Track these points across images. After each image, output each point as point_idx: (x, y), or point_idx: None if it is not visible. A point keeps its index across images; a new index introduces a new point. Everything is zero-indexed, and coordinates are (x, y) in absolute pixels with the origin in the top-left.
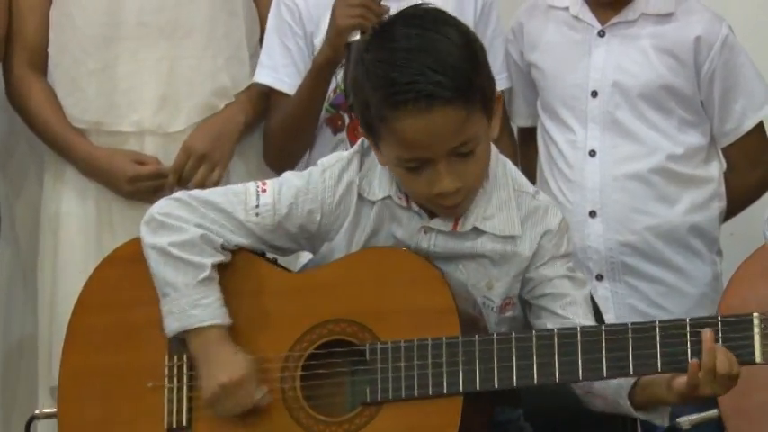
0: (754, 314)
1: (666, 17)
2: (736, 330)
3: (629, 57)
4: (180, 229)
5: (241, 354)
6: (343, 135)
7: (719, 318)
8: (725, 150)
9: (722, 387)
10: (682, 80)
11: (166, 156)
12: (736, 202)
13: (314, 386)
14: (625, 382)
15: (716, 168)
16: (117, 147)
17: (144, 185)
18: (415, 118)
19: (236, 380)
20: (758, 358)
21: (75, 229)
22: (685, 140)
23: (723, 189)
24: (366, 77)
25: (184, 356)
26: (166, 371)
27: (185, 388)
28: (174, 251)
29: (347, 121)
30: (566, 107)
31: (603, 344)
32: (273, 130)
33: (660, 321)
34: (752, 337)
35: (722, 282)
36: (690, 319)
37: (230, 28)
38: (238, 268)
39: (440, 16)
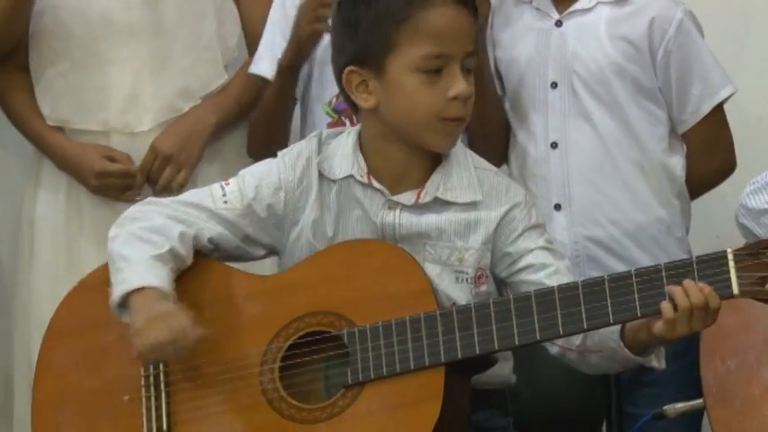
0: (728, 249)
1: (621, 2)
2: (712, 267)
3: (585, 45)
4: (150, 219)
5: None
6: None
7: (694, 258)
8: (685, 136)
9: (699, 322)
10: (638, 66)
11: (133, 156)
12: (697, 188)
13: (294, 376)
14: (615, 328)
15: (679, 163)
16: None
17: (111, 182)
18: (447, 7)
19: (160, 312)
20: (735, 290)
21: (48, 234)
22: (646, 131)
23: (685, 187)
24: None
25: (160, 366)
26: (142, 381)
27: (163, 395)
28: (140, 232)
29: (348, 126)
30: (527, 99)
31: (581, 297)
32: (253, 122)
33: (636, 269)
34: (728, 272)
35: None
36: (665, 264)
37: (198, 29)
38: (211, 277)
39: None
